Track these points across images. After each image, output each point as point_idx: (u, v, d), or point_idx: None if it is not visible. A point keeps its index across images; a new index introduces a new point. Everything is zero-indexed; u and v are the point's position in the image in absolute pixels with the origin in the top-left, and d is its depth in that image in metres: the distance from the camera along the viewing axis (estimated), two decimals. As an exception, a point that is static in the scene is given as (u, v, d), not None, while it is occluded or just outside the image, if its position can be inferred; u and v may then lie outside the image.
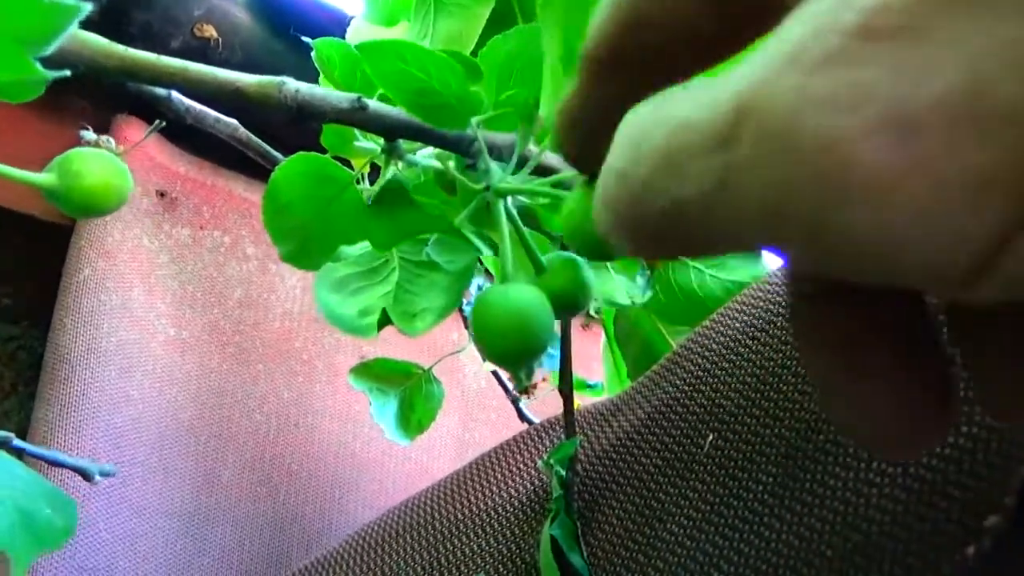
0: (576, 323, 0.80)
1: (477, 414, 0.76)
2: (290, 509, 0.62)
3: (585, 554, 0.24)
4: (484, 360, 0.22)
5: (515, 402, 0.52)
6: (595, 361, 0.70)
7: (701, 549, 0.21)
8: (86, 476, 0.38)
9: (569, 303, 0.24)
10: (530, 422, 0.56)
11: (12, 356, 0.61)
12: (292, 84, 0.25)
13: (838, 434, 0.20)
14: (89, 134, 0.22)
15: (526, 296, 0.21)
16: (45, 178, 0.21)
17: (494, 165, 0.24)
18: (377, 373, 0.51)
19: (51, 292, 0.55)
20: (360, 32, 0.43)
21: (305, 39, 0.36)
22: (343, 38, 0.35)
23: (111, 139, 0.23)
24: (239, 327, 0.63)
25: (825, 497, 0.19)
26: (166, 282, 0.60)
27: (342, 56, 0.35)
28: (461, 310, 0.54)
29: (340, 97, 0.25)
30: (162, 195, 0.62)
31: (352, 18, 0.44)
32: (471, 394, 0.77)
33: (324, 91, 0.25)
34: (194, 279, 0.61)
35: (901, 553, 0.16)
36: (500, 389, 0.69)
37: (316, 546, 0.62)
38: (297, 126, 0.27)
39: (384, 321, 0.25)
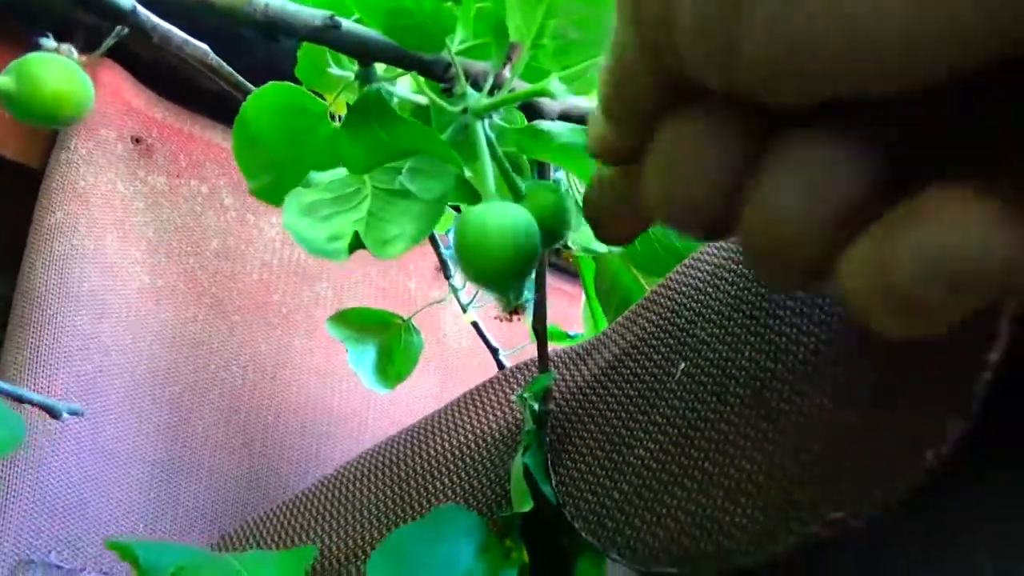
0: (553, 284, 0.80)
1: (456, 373, 0.76)
2: (265, 462, 0.62)
3: (554, 482, 0.24)
4: (470, 281, 0.21)
5: (495, 353, 0.51)
6: (574, 321, 0.70)
7: (666, 470, 0.21)
8: (53, 414, 0.37)
9: (549, 229, 0.23)
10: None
11: (-19, 302, 0.60)
12: (262, -3, 0.24)
13: (805, 355, 0.20)
14: (49, 41, 0.21)
15: (510, 213, 0.20)
16: (2, 80, 0.20)
17: (470, 89, 0.24)
18: (355, 322, 0.50)
19: (20, 236, 0.54)
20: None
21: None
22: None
23: (72, 48, 0.22)
24: (216, 278, 0.62)
25: (790, 413, 0.19)
26: (141, 229, 0.58)
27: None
28: (443, 261, 0.54)
29: (312, 14, 0.24)
30: (137, 141, 0.61)
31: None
32: (450, 353, 0.77)
33: (296, 7, 0.24)
34: (170, 228, 0.60)
35: (864, 458, 0.16)
36: (479, 350, 0.69)
37: (292, 499, 0.62)
38: (269, 55, 0.26)
39: (355, 244, 0.24)
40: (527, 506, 0.23)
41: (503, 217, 0.20)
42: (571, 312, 0.79)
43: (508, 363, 0.58)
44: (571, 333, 0.51)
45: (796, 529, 0.16)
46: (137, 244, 0.58)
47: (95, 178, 0.56)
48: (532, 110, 0.27)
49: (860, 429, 0.17)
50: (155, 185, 0.60)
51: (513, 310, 0.25)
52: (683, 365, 0.23)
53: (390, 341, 0.52)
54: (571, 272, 0.84)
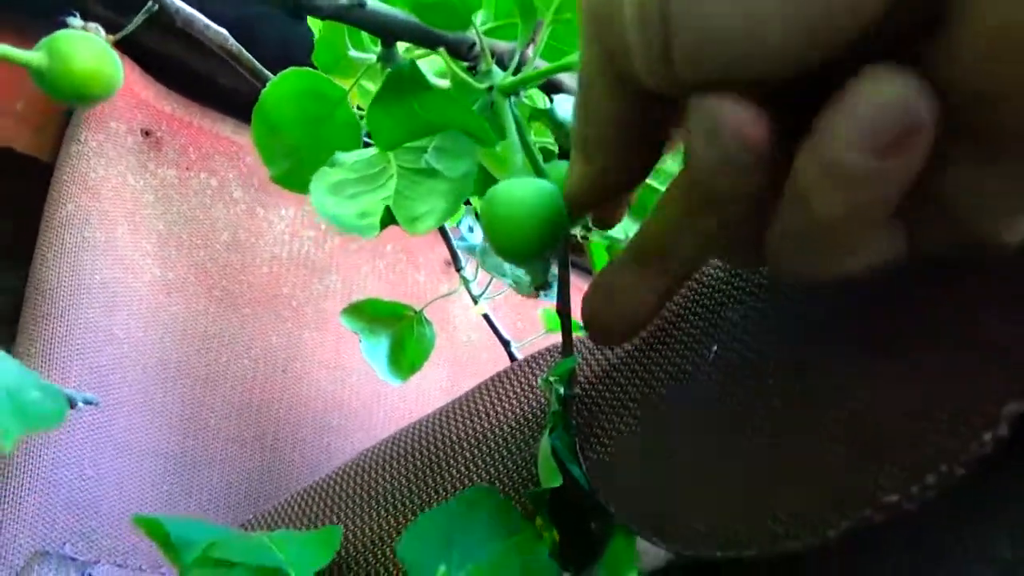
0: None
1: (466, 367, 0.76)
2: (277, 454, 0.62)
3: (584, 466, 0.24)
4: (494, 262, 0.21)
5: (507, 345, 0.51)
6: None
7: (704, 454, 0.21)
8: (69, 403, 0.37)
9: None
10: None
11: (-8, 295, 0.60)
12: (289, -23, 0.24)
13: (847, 338, 0.19)
14: (76, 20, 0.21)
15: (538, 185, 0.20)
16: (34, 56, 0.20)
17: (496, 67, 0.23)
18: (368, 314, 0.50)
19: (32, 229, 0.54)
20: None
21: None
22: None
23: (100, 27, 0.21)
24: (226, 270, 0.62)
25: (835, 395, 0.18)
26: (151, 222, 0.58)
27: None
28: (453, 253, 0.53)
29: (338, -8, 0.24)
30: (147, 134, 0.60)
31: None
32: (461, 346, 0.76)
33: (322, -14, 0.24)
34: (180, 220, 0.60)
35: (919, 443, 0.16)
36: (489, 344, 0.68)
37: (303, 493, 0.62)
38: (284, 43, 0.26)
39: (387, 220, 0.24)
40: (556, 482, 0.23)
41: (531, 189, 0.20)
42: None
43: (520, 355, 0.58)
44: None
45: (849, 513, 0.16)
46: (148, 237, 0.58)
47: (105, 171, 0.55)
48: (554, 87, 0.27)
49: (912, 411, 0.16)
50: (165, 178, 0.60)
51: (540, 286, 0.24)
52: (715, 348, 0.23)
53: (403, 333, 0.52)
54: (582, 267, 0.84)
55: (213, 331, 0.60)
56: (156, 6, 0.22)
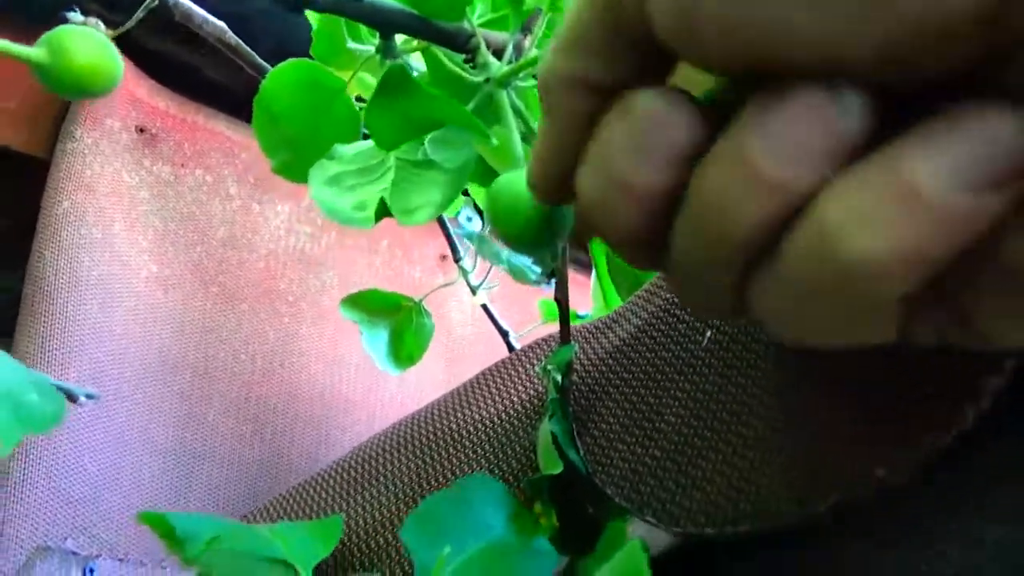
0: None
1: (463, 360, 0.77)
2: (276, 449, 0.62)
3: (581, 451, 0.25)
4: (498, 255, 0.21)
5: (505, 335, 0.52)
6: (580, 306, 0.70)
7: (699, 435, 0.21)
8: (71, 397, 0.37)
9: None
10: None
11: (-11, 293, 0.60)
12: (286, -30, 0.24)
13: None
14: (76, 15, 0.22)
15: None
16: (35, 52, 0.20)
17: (492, 59, 0.24)
18: (367, 305, 0.50)
19: (29, 228, 0.54)
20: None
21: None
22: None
23: (99, 22, 0.22)
24: (223, 266, 0.62)
25: (813, 381, 0.19)
26: (147, 218, 0.58)
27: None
28: (452, 244, 0.54)
29: (334, -14, 0.24)
30: (142, 131, 0.60)
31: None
32: (457, 338, 0.77)
33: (318, -21, 0.24)
34: (176, 217, 0.60)
35: (902, 415, 0.16)
36: (485, 337, 0.69)
37: (302, 486, 0.62)
38: (280, 39, 0.26)
39: (381, 213, 0.24)
40: (557, 468, 0.23)
41: None
42: (577, 298, 0.79)
43: (518, 346, 0.58)
44: (580, 313, 0.51)
45: (838, 491, 0.16)
46: (144, 233, 0.58)
47: (101, 168, 0.55)
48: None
49: (899, 386, 0.17)
50: (160, 174, 0.60)
51: (549, 275, 0.25)
52: (709, 333, 0.23)
53: (402, 323, 0.52)
54: (582, 263, 0.84)
55: (210, 326, 0.60)
56: (156, 1, 0.22)
